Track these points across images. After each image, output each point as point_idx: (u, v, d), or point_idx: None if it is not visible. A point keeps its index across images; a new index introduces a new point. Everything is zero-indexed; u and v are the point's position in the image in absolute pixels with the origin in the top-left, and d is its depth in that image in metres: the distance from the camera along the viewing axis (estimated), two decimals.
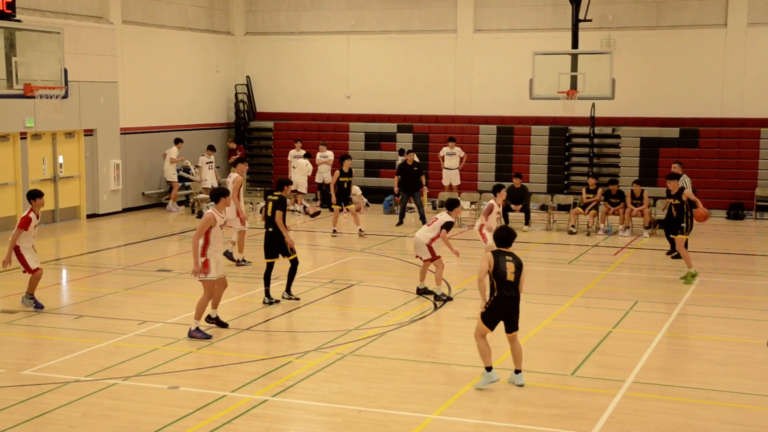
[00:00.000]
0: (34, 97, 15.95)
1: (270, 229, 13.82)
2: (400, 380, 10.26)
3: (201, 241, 11.83)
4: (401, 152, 25.43)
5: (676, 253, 17.72)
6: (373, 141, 27.59)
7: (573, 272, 16.79)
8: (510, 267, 9.84)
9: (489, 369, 9.94)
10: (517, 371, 10.05)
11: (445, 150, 24.77)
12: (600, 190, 21.56)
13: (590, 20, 23.71)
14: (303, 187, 24.58)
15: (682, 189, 16.33)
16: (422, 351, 11.45)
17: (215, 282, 11.96)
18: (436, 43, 27.42)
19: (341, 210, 20.90)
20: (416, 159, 22.78)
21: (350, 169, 21.00)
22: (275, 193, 14.09)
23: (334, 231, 20.56)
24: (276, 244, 13.80)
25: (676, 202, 16.24)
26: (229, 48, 28.97)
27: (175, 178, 24.98)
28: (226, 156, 26.81)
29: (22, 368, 10.58)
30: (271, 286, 13.87)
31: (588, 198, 21.60)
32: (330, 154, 25.26)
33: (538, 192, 24.53)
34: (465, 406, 9.42)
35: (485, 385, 9.92)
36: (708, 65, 25.16)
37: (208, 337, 11.81)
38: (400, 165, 22.78)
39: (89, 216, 23.25)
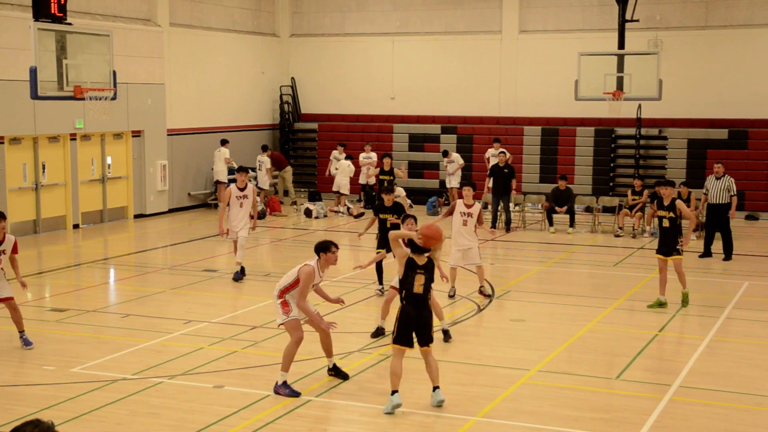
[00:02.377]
0: (83, 98, 16.17)
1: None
2: (443, 382, 10.21)
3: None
4: (444, 153, 25.42)
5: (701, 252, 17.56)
6: (417, 142, 27.60)
7: (618, 275, 16.63)
8: (419, 279, 9.11)
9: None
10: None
11: (490, 151, 24.66)
12: (646, 192, 21.32)
13: (637, 20, 23.46)
14: (345, 189, 24.61)
15: (674, 200, 13.67)
16: (465, 353, 11.42)
17: (299, 322, 9.99)
18: (481, 44, 27.34)
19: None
20: (509, 161, 22.02)
21: (391, 168, 20.79)
22: None
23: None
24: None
25: (670, 215, 13.55)
26: (274, 50, 29.18)
27: (226, 179, 25.14)
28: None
29: (70, 366, 10.76)
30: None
31: (634, 200, 21.37)
32: (374, 156, 25.32)
33: (583, 194, 24.33)
34: (508, 409, 9.38)
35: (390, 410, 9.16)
36: (758, 65, 24.76)
37: (296, 394, 9.68)
38: (492, 167, 22.20)
39: (136, 216, 23.58)
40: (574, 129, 26.26)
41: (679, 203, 13.62)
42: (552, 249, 19.41)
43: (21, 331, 11.64)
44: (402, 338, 9.22)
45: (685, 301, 13.85)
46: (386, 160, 20.80)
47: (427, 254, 9.28)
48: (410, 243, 9.36)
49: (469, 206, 14.41)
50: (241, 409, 9.28)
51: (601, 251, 19.26)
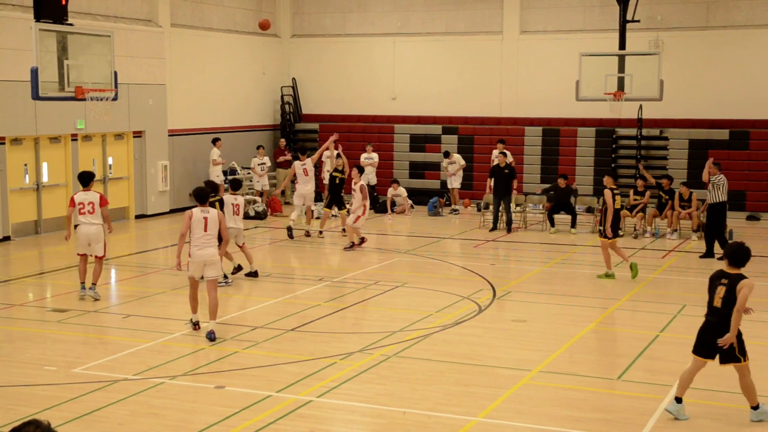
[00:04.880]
0: (85, 99, 16.18)
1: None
2: (445, 382, 10.24)
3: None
4: (446, 154, 25.43)
5: (720, 255, 17.57)
6: (418, 143, 27.60)
7: (620, 275, 16.61)
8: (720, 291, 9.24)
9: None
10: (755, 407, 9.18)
11: (495, 152, 24.52)
12: (648, 193, 21.31)
13: (638, 21, 23.45)
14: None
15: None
16: (466, 353, 11.42)
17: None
18: (482, 44, 27.35)
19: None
20: (509, 161, 21.91)
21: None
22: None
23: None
24: None
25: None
26: (275, 50, 29.19)
27: (220, 180, 25.05)
28: (273, 156, 26.95)
29: (72, 366, 10.77)
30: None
31: (635, 200, 21.35)
32: (375, 156, 25.30)
33: (585, 194, 24.33)
34: (509, 410, 9.38)
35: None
36: (759, 66, 24.76)
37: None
38: (493, 167, 22.11)
39: (138, 216, 23.58)
40: (575, 129, 26.26)
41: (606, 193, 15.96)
42: (553, 249, 19.41)
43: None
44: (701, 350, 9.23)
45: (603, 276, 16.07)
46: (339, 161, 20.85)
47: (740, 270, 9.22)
48: None
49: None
50: (242, 409, 9.28)
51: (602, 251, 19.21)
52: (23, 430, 4.18)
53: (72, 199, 14.08)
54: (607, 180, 16.68)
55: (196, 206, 12.34)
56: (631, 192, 21.71)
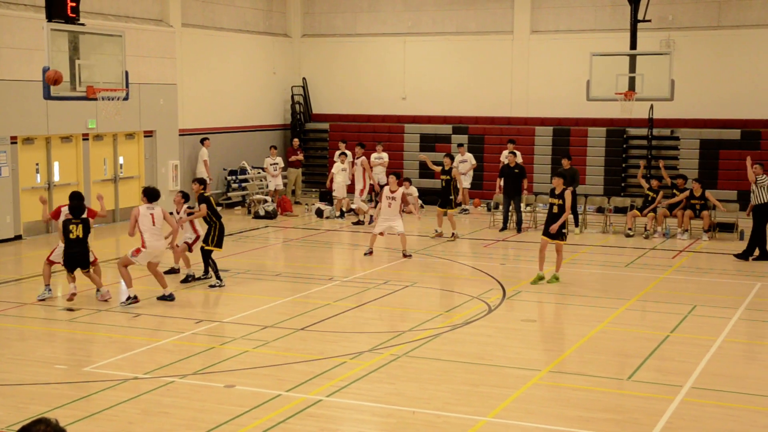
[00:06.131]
0: (96, 99, 16.23)
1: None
2: (454, 382, 10.24)
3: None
4: (459, 145, 25.36)
5: (756, 255, 17.52)
6: (428, 142, 27.59)
7: (629, 275, 16.59)
8: None
9: None
10: None
11: (505, 153, 24.47)
12: (661, 193, 21.18)
13: (649, 21, 23.37)
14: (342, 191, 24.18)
15: (564, 190, 15.51)
16: (476, 353, 11.41)
17: None
18: (493, 44, 27.32)
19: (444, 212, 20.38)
20: (519, 161, 21.90)
21: (450, 168, 20.52)
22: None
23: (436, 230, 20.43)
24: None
25: (559, 202, 15.45)
26: (286, 50, 29.23)
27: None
28: (285, 155, 26.96)
29: (82, 365, 10.81)
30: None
31: (652, 198, 21.09)
32: (385, 156, 25.30)
33: (595, 194, 24.27)
34: (518, 410, 9.37)
35: None
36: None
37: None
38: (502, 167, 22.06)
39: None
40: (585, 129, 26.21)
41: (567, 194, 15.39)
42: (563, 249, 19.32)
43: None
44: None
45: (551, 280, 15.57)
46: (446, 160, 20.59)
47: None
48: None
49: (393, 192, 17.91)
50: (252, 408, 9.30)
51: (612, 252, 19.21)
52: (33, 428, 4.18)
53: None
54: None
55: (142, 204, 14.06)
56: (646, 188, 21.48)
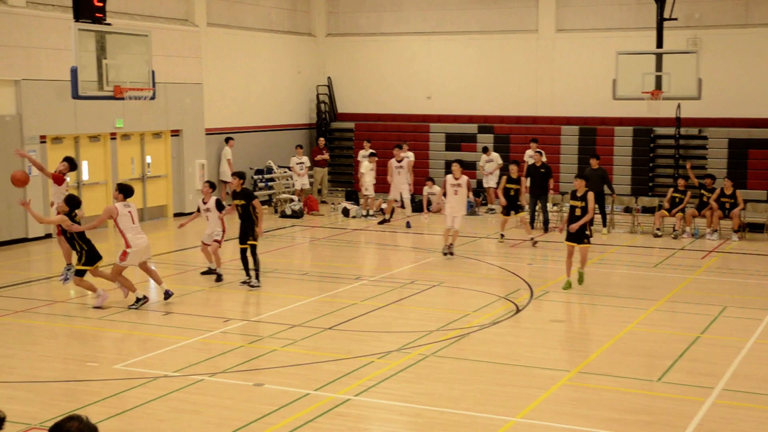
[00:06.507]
0: (123, 98, 16.34)
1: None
2: (482, 382, 10.22)
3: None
4: (484, 150, 25.31)
5: None
6: (453, 142, 27.54)
7: (658, 276, 16.47)
8: None
9: None
10: None
11: (528, 153, 24.38)
12: (689, 193, 21.01)
13: (675, 19, 23.22)
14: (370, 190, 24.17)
15: (586, 193, 15.10)
16: (504, 353, 11.38)
17: None
18: (518, 43, 27.23)
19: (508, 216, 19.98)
20: (544, 160, 21.76)
21: (519, 177, 20.18)
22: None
23: (502, 235, 20.09)
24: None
25: (582, 204, 15.07)
26: (310, 49, 29.28)
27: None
28: (311, 155, 26.99)
29: (113, 363, 10.89)
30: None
31: (680, 198, 20.92)
32: (410, 155, 25.24)
33: (622, 194, 24.12)
34: (547, 410, 9.33)
35: None
36: None
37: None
38: (529, 167, 21.80)
39: (176, 214, 23.77)
40: (612, 129, 26.06)
41: (590, 196, 15.02)
42: (590, 249, 19.22)
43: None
44: None
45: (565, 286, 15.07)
46: (513, 168, 20.23)
47: None
48: None
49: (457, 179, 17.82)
50: (281, 407, 9.33)
51: (640, 252, 19.09)
52: (65, 425, 4.22)
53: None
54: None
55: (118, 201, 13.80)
56: (671, 191, 21.31)
